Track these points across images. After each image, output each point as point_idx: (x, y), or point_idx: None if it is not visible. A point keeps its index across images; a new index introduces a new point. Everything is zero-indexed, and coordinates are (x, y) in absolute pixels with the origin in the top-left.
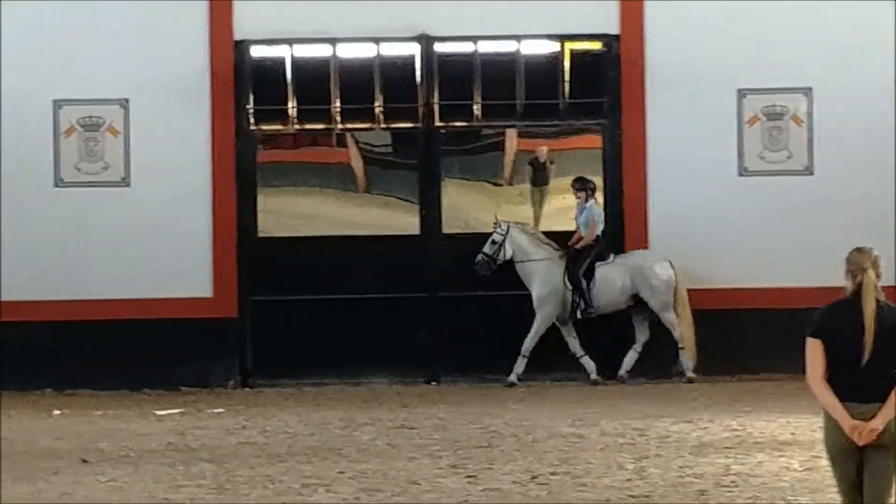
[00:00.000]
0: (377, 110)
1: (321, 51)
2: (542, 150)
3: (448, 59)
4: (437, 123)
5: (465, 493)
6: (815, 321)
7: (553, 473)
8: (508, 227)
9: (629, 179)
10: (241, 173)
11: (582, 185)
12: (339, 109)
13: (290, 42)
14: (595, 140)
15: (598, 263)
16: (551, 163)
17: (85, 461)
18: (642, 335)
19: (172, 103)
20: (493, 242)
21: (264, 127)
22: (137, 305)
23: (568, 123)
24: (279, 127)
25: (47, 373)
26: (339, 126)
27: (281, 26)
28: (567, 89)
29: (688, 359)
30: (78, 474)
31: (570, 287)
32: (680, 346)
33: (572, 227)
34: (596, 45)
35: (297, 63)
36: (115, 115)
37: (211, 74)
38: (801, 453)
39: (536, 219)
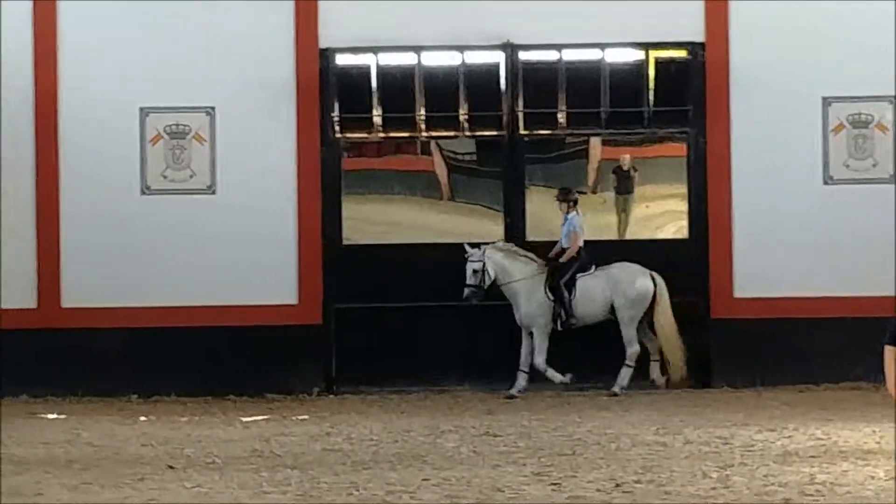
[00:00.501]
0: (462, 118)
1: (406, 59)
2: (626, 157)
3: (532, 68)
4: (522, 131)
5: (549, 500)
6: (892, 329)
7: (637, 481)
8: (484, 251)
9: (713, 187)
10: (326, 181)
11: (564, 196)
12: (423, 117)
13: (375, 50)
14: (679, 148)
15: (579, 274)
16: (635, 170)
17: (171, 467)
18: (632, 349)
19: (258, 111)
20: (475, 272)
21: (349, 135)
22: (222, 312)
23: (652, 131)
24: (364, 135)
25: (134, 379)
26: (424, 134)
27: (366, 34)
28: (651, 97)
29: (656, 369)
30: (164, 480)
31: (550, 298)
32: (653, 357)
33: (655, 236)
34: (681, 53)
35: (382, 71)
36: (201, 122)
37: (296, 83)
38: (886, 462)
39: (621, 227)
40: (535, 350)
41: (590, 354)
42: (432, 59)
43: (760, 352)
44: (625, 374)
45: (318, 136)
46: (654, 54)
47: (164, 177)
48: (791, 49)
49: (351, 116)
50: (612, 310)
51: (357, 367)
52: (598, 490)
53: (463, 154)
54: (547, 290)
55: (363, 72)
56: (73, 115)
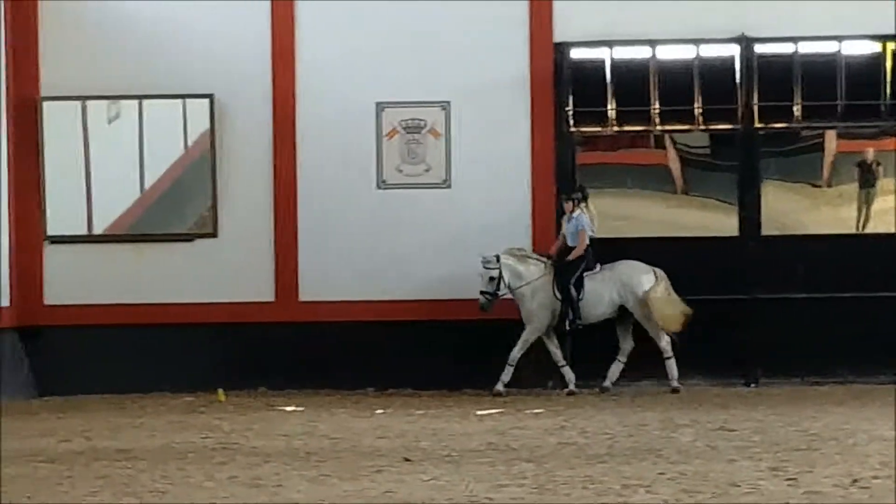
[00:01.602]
0: (696, 112)
1: (640, 52)
2: (870, 151)
3: (768, 60)
4: (756, 125)
5: (786, 495)
6: None
7: (875, 477)
8: (499, 258)
9: None
10: (560, 175)
11: (569, 195)
12: (657, 111)
13: (609, 44)
14: None
15: (586, 274)
16: (878, 164)
17: (407, 460)
18: (626, 345)
19: (493, 106)
20: (492, 279)
21: (583, 129)
22: (456, 306)
23: (890, 124)
24: (598, 129)
25: (370, 372)
26: (658, 128)
27: (600, 29)
28: (888, 90)
29: (674, 368)
30: (400, 473)
31: (559, 298)
32: (666, 356)
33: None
34: None
35: (616, 65)
36: (436, 117)
37: (531, 77)
38: None
39: (863, 221)
40: (519, 342)
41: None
42: (667, 53)
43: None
44: (615, 369)
45: (553, 130)
46: (890, 46)
47: (400, 171)
48: None
49: (585, 110)
50: (618, 309)
51: (592, 362)
52: (834, 486)
53: (697, 148)
54: (555, 289)
55: (597, 66)
56: (310, 112)
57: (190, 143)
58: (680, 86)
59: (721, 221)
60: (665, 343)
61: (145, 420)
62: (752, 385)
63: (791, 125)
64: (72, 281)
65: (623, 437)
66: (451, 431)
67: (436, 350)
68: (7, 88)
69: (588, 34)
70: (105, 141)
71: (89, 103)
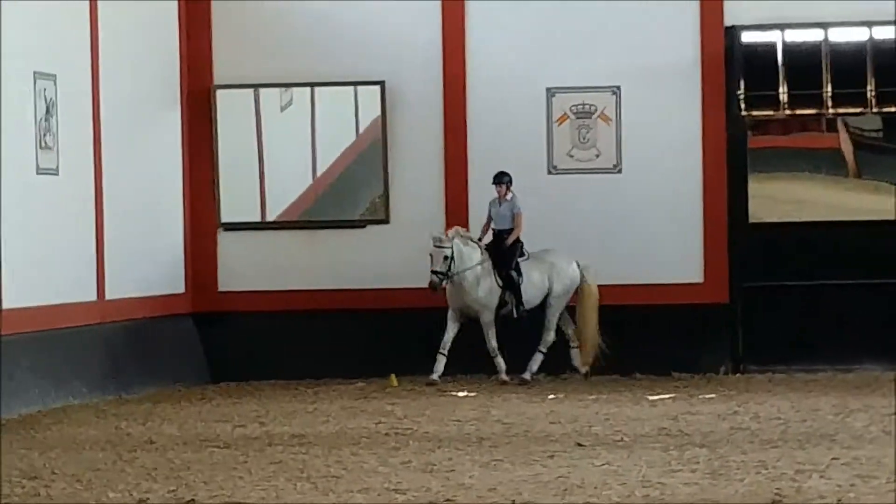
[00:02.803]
0: (869, 94)
1: (812, 35)
2: None
3: None
4: None
5: None
6: None
7: None
8: (452, 237)
9: None
10: (731, 159)
11: (500, 179)
12: (830, 94)
13: (781, 27)
14: None
15: (519, 259)
16: None
17: (580, 444)
18: (549, 336)
19: (663, 90)
20: (446, 258)
21: (754, 112)
22: (628, 291)
23: None
24: (770, 112)
25: (542, 358)
26: (831, 111)
27: (771, 12)
28: None
29: (579, 356)
30: (573, 458)
31: (500, 284)
32: (573, 344)
33: None
34: None
35: (788, 48)
36: (606, 102)
37: (701, 60)
38: None
39: None
40: (490, 336)
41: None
42: (839, 36)
43: None
44: (537, 360)
45: (724, 114)
46: None
47: (571, 156)
48: None
49: (756, 94)
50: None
51: (764, 347)
52: None
53: (869, 131)
54: (496, 276)
55: (769, 49)
56: (481, 98)
57: (361, 129)
58: (852, 68)
59: (893, 205)
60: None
61: (319, 406)
62: None
63: None
64: (245, 268)
65: (796, 421)
66: (624, 416)
67: (608, 335)
68: (182, 77)
69: (759, 17)
70: (278, 128)
71: (262, 91)
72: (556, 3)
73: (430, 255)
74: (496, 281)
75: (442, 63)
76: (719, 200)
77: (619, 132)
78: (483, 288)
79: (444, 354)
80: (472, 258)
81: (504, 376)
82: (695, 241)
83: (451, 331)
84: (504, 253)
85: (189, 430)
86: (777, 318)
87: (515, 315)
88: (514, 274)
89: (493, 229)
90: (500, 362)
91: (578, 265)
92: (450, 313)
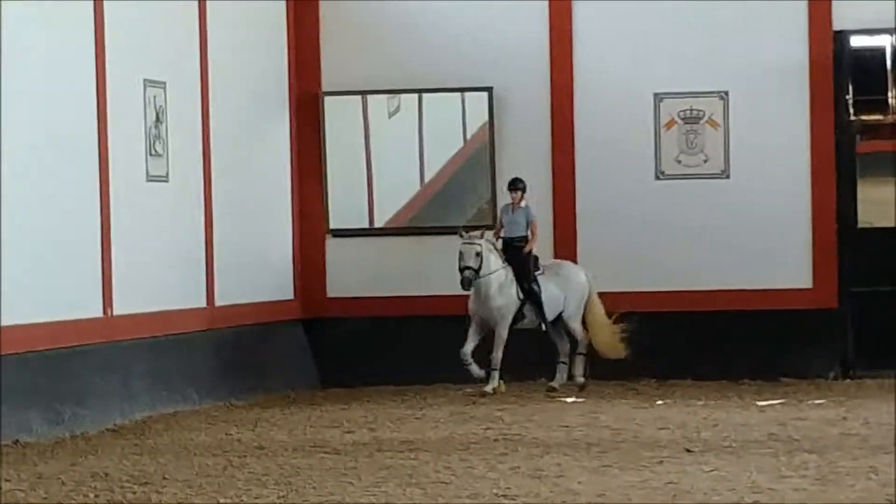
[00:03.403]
0: None
1: None
2: None
3: None
4: None
5: None
6: None
7: None
8: (483, 235)
9: None
10: (840, 164)
11: (515, 185)
12: None
13: (890, 31)
14: None
15: (536, 273)
16: None
17: (688, 450)
18: (565, 345)
19: (771, 95)
20: (477, 254)
21: (863, 117)
22: (737, 296)
23: None
24: (878, 117)
25: (649, 363)
26: None
27: (880, 16)
28: None
29: (581, 365)
30: (682, 463)
31: (520, 297)
32: (580, 351)
33: None
34: None
35: None
36: (714, 107)
37: (809, 65)
38: None
39: None
40: (497, 346)
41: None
42: None
43: None
44: (563, 371)
45: (832, 118)
46: None
47: (678, 162)
48: None
49: (865, 98)
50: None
51: (874, 352)
52: None
53: None
54: (518, 288)
55: (878, 54)
56: (588, 103)
57: (469, 135)
58: None
59: None
60: (582, 337)
61: (427, 411)
62: None
63: None
64: (353, 274)
65: None
66: (732, 422)
67: (715, 340)
68: (290, 84)
69: (868, 22)
70: (385, 134)
71: (370, 97)
72: (664, 9)
73: (460, 252)
74: (518, 293)
75: (549, 68)
76: (828, 205)
77: (727, 137)
78: (504, 296)
79: (470, 363)
80: (496, 264)
81: (488, 387)
82: (803, 246)
83: (472, 342)
84: (521, 264)
85: (298, 436)
86: (886, 322)
87: (544, 328)
88: (535, 287)
89: (503, 237)
90: (477, 370)
91: (586, 276)
92: (472, 326)
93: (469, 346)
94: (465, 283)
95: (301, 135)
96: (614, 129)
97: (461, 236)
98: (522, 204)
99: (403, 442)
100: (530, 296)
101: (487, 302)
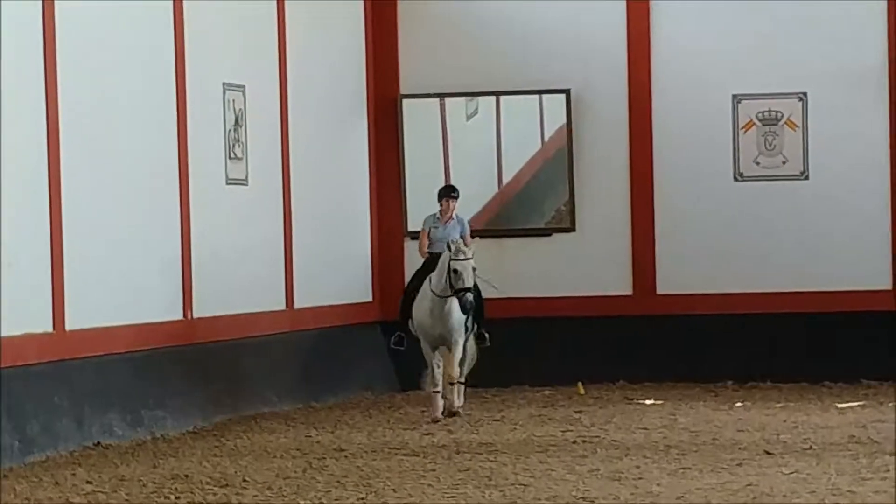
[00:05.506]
0: None
1: None
2: None
3: None
4: None
5: None
6: None
7: None
8: (472, 249)
9: None
10: None
11: (450, 193)
12: None
13: None
14: None
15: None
16: None
17: (768, 453)
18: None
19: (850, 96)
20: (474, 269)
21: None
22: (816, 298)
23: None
24: None
25: (729, 365)
26: None
27: None
28: None
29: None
30: (761, 466)
31: (468, 309)
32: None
33: None
34: None
35: None
36: (793, 108)
37: (889, 67)
38: None
39: None
40: (466, 360)
41: None
42: None
43: None
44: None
45: None
46: None
47: (757, 163)
48: None
49: None
50: None
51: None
52: None
53: None
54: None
55: None
56: (666, 105)
57: (547, 137)
58: None
59: None
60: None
61: (506, 413)
62: None
63: None
64: None
65: None
66: (812, 424)
67: (794, 342)
68: (368, 87)
69: None
70: (463, 137)
71: (448, 100)
72: (742, 10)
73: (456, 269)
74: (463, 308)
75: (627, 70)
76: None
77: (806, 138)
78: (458, 310)
79: (438, 393)
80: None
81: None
82: (883, 248)
83: (439, 365)
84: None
85: (378, 438)
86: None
87: (487, 344)
88: (479, 300)
89: (429, 253)
90: (439, 378)
91: None
92: (426, 346)
93: (438, 373)
94: (468, 306)
95: (379, 137)
96: (692, 130)
97: (450, 250)
98: (456, 214)
99: (482, 444)
100: (477, 305)
101: (449, 318)
